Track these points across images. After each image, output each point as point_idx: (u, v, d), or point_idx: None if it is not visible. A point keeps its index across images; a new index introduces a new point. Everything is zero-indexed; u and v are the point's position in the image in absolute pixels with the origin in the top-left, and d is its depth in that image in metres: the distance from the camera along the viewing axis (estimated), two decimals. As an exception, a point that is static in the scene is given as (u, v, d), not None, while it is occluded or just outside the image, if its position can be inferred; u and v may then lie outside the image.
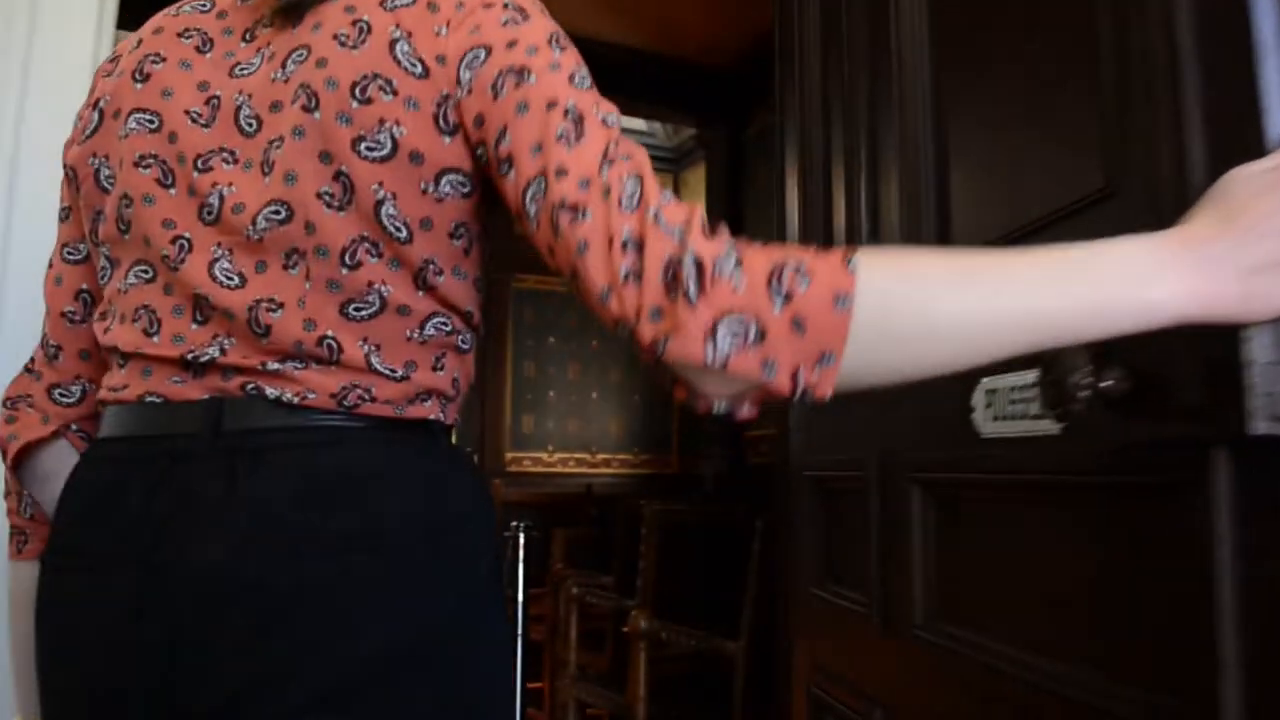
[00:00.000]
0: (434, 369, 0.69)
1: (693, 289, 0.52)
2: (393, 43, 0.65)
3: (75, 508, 0.68)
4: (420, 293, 0.67)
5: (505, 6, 0.66)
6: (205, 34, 0.72)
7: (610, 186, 0.57)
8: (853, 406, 1.26)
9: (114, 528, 0.64)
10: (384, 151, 0.64)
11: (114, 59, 0.76)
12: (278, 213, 0.65)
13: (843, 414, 1.33)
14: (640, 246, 0.54)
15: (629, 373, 10.49)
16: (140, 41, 0.75)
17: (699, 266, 0.53)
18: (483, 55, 0.64)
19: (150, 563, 0.61)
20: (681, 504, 2.72)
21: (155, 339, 0.66)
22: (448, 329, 0.70)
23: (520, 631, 2.81)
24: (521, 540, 2.84)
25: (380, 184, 0.64)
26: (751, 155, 5.83)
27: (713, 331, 0.52)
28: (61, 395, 0.77)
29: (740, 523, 2.47)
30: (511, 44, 0.64)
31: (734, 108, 5.85)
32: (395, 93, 0.64)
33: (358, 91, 0.64)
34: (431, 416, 0.69)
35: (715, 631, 2.28)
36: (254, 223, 0.65)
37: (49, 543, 0.71)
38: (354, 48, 0.65)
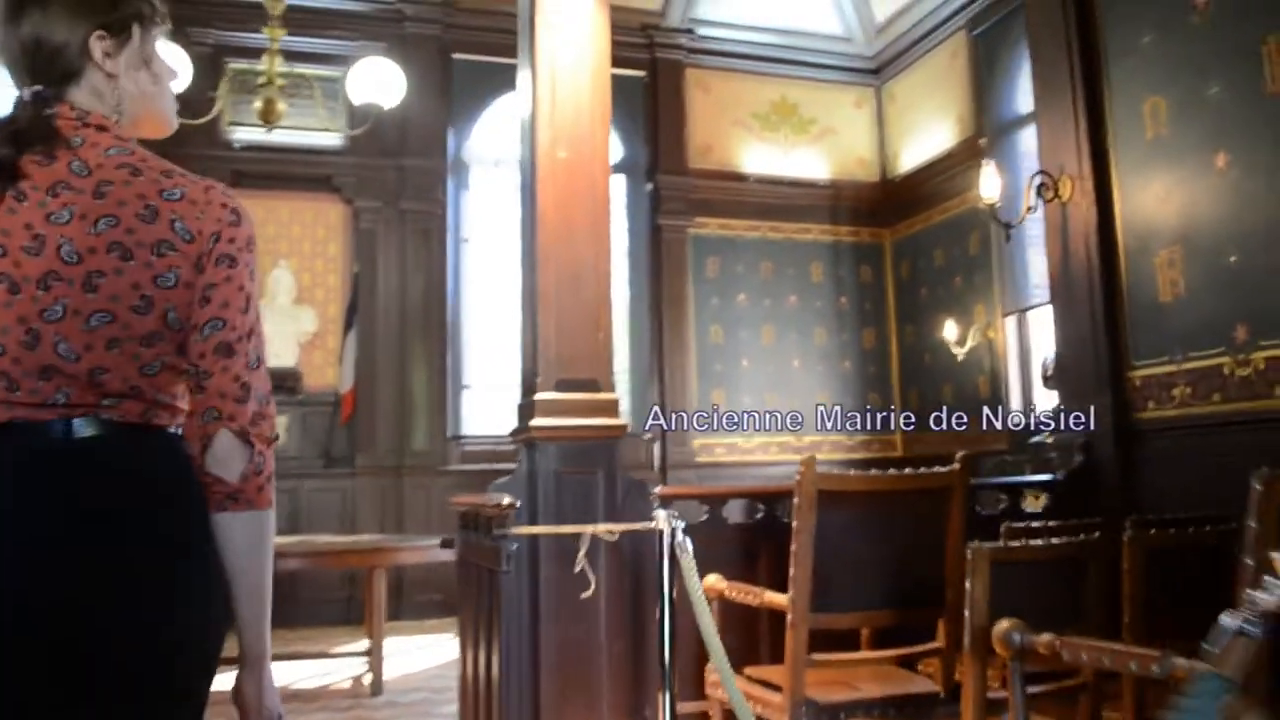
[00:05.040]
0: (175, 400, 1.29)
1: None
2: (172, 222, 1.20)
3: None
4: (180, 357, 1.26)
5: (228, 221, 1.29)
6: (20, 189, 1.17)
7: None
8: None
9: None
10: (170, 283, 1.20)
11: None
12: (106, 316, 1.16)
13: None
14: None
15: (835, 333, 8.56)
16: None
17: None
18: (214, 241, 1.24)
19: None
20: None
21: (18, 393, 1.15)
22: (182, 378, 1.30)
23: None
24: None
25: (169, 302, 1.20)
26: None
27: None
28: None
29: None
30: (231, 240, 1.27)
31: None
32: (176, 250, 1.20)
33: (156, 249, 1.19)
34: (170, 427, 1.28)
35: None
36: (88, 321, 1.15)
37: None
38: (150, 223, 1.18)
